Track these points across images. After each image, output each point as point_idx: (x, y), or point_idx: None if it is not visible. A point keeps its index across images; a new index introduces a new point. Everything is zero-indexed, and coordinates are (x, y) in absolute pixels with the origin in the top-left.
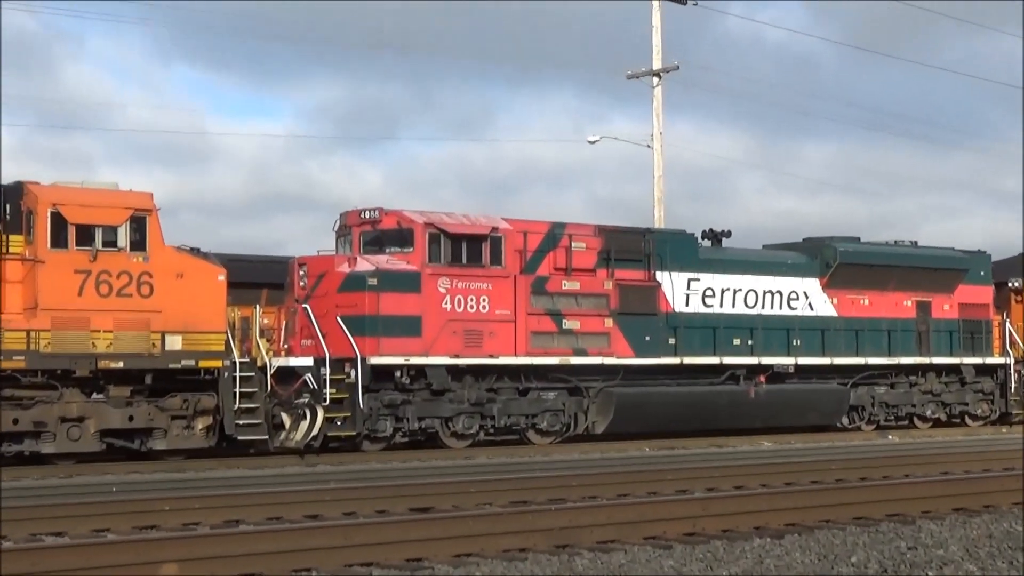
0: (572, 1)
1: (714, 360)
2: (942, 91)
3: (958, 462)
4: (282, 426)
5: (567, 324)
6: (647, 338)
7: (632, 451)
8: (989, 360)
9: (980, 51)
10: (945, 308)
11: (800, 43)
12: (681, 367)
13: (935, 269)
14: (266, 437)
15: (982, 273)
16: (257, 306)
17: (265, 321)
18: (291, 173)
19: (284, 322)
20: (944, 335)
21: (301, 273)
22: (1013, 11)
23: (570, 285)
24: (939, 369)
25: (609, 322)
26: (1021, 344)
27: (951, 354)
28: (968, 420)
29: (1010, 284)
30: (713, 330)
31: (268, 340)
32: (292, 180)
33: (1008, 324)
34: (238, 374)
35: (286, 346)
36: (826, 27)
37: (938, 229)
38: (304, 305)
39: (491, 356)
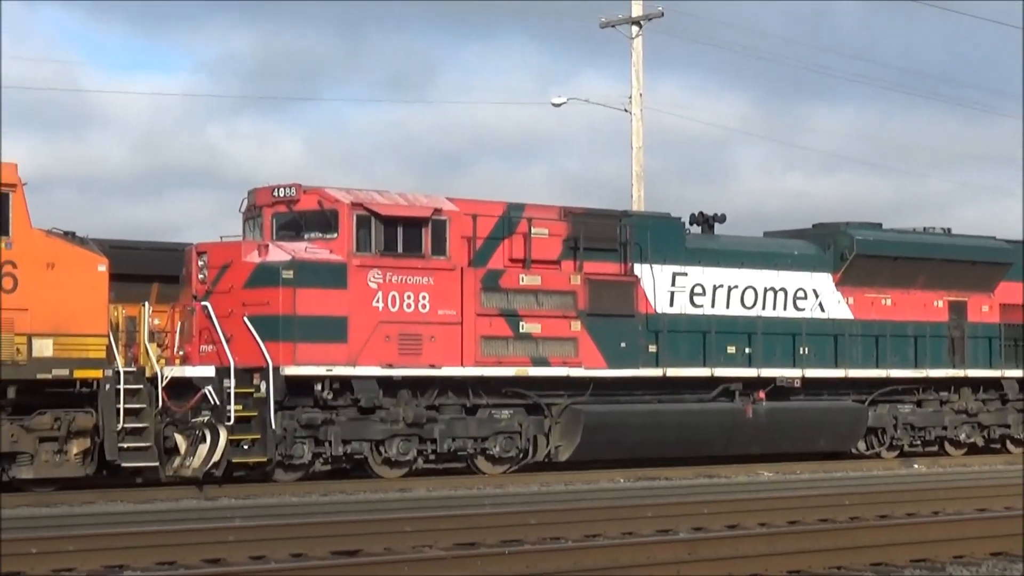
0: None
1: (704, 372)
2: (982, 46)
3: (997, 496)
4: (176, 450)
5: (525, 327)
6: (622, 345)
7: (603, 482)
8: None
9: None
10: (984, 310)
11: None
12: (664, 380)
13: (972, 263)
14: (157, 463)
15: None
16: (146, 303)
17: (156, 322)
18: (189, 141)
19: (179, 323)
20: (982, 342)
21: (200, 264)
22: None
23: (529, 280)
24: (976, 384)
25: (576, 325)
26: None
27: (990, 366)
28: (1010, 446)
29: None
30: (703, 335)
31: (160, 345)
32: (190, 149)
33: None
34: (122, 387)
35: (181, 352)
36: None
37: (977, 214)
38: (204, 303)
39: (432, 366)
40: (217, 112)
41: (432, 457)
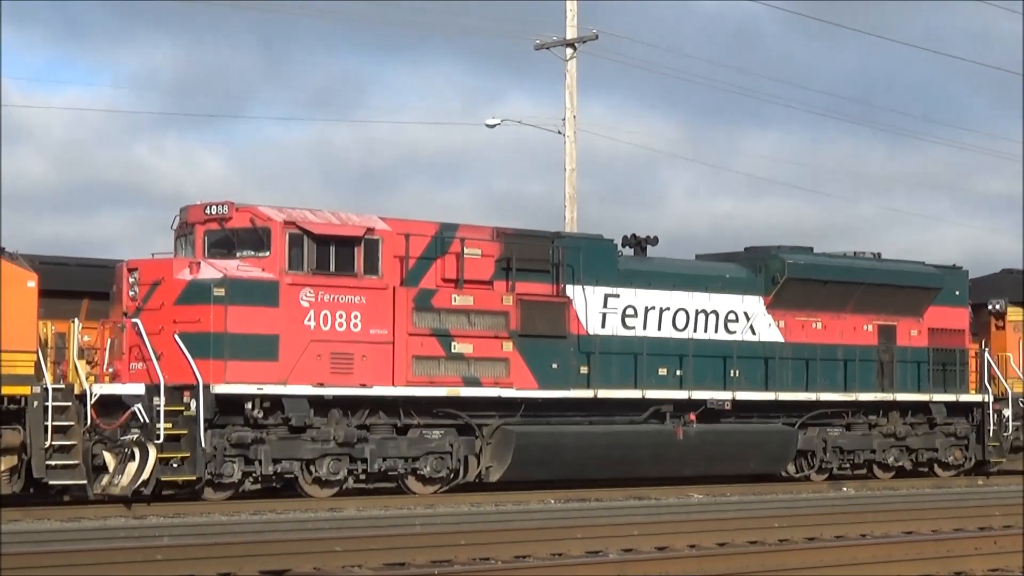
0: None
1: (635, 394)
2: (910, 71)
3: (925, 519)
4: (105, 468)
5: (457, 348)
6: (554, 366)
7: (534, 503)
8: (964, 397)
9: (950, 24)
10: (913, 334)
11: (737, 7)
12: (595, 401)
13: (902, 287)
14: (84, 481)
15: (957, 293)
16: (75, 320)
17: (85, 339)
18: (114, 157)
19: (109, 340)
20: (911, 367)
21: (131, 280)
22: None
23: (461, 300)
24: (904, 408)
25: (508, 346)
26: (1003, 378)
27: (919, 390)
28: (938, 469)
29: (990, 306)
30: (634, 357)
31: (89, 362)
32: (116, 165)
33: (987, 354)
34: (50, 403)
35: (111, 370)
36: None
37: (906, 239)
38: (134, 320)
39: (363, 386)
40: (142, 128)
41: (363, 477)
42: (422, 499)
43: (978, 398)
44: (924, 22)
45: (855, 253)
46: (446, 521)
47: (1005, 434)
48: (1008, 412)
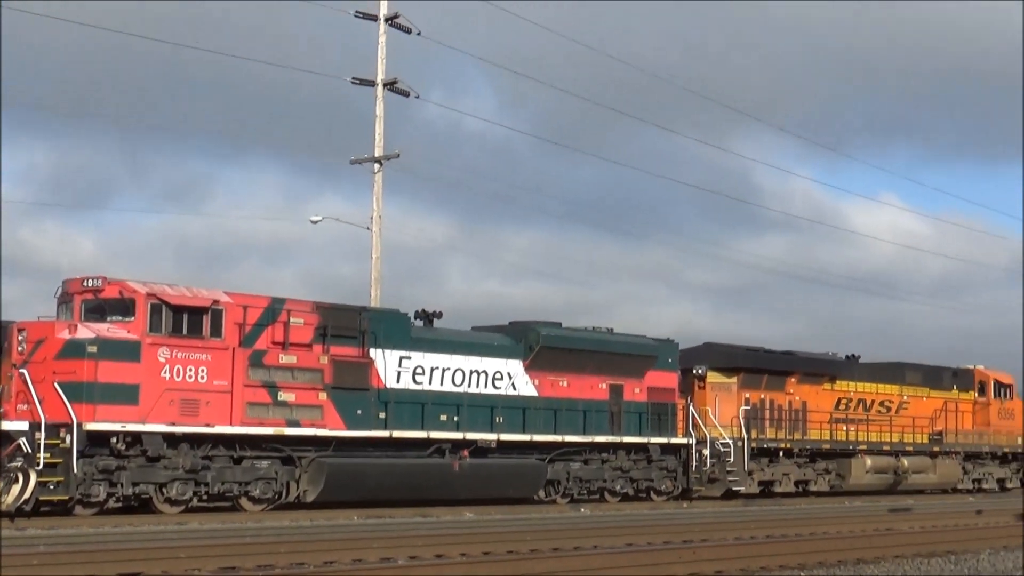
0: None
1: (422, 434)
2: (631, 185)
3: (642, 534)
4: None
5: (282, 396)
6: (359, 412)
7: (341, 519)
8: (674, 440)
9: (666, 148)
10: (636, 391)
11: (496, 131)
12: (390, 440)
13: (628, 355)
14: None
15: (670, 360)
16: None
17: None
18: (4, 237)
19: (1, 387)
20: (634, 416)
21: (20, 338)
22: (683, 112)
23: (287, 359)
24: (629, 447)
25: (323, 395)
26: (703, 426)
27: (640, 434)
28: (653, 495)
29: (695, 371)
30: (422, 406)
31: None
32: (5, 244)
33: (691, 407)
34: None
35: (1, 410)
36: (515, 117)
37: (631, 316)
38: (22, 370)
39: (207, 425)
40: (25, 215)
41: (205, 497)
42: (252, 515)
43: (684, 441)
44: (647, 146)
45: (593, 327)
46: (271, 533)
47: (704, 468)
48: (707, 451)
